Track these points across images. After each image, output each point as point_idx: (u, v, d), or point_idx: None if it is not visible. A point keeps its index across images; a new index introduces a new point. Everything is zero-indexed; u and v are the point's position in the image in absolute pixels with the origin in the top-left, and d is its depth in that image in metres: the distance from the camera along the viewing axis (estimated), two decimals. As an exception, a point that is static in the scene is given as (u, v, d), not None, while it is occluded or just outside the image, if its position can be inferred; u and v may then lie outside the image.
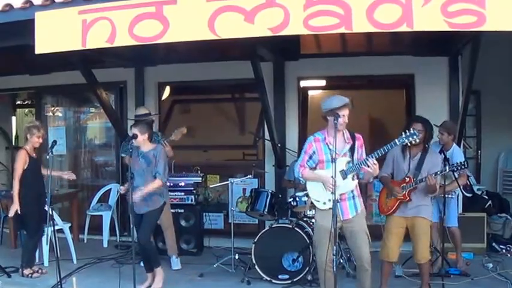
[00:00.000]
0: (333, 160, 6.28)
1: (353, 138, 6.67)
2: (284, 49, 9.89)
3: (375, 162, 6.39)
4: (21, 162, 8.32)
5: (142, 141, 7.82)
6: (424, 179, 7.06)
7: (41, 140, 8.48)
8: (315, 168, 6.72)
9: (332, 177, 6.30)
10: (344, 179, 6.54)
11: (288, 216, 8.69)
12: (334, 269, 6.33)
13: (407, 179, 7.19)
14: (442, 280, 7.78)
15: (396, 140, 6.53)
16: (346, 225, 6.65)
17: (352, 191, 6.68)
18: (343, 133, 6.65)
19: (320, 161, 6.62)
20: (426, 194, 7.27)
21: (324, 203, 6.64)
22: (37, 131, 8.40)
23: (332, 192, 6.31)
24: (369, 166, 6.36)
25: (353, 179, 6.62)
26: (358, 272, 6.87)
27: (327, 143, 6.60)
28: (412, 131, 6.48)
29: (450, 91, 9.93)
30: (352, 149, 6.62)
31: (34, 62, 9.20)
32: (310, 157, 6.69)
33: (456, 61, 9.88)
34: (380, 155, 6.59)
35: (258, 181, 10.66)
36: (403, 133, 6.51)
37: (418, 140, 6.58)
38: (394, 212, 7.29)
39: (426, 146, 7.28)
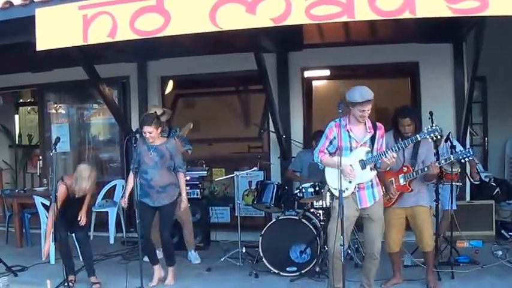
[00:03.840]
0: (351, 149, 6.46)
1: (374, 127, 6.66)
2: (287, 40, 9.83)
3: (394, 155, 6.47)
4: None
5: (157, 136, 7.82)
6: (425, 169, 7.03)
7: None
8: (333, 155, 6.69)
9: (351, 165, 6.51)
10: (363, 169, 6.56)
11: (295, 208, 8.66)
12: (342, 259, 6.30)
13: (406, 169, 7.14)
14: (452, 268, 7.77)
15: (418, 135, 6.64)
16: (364, 213, 6.69)
17: (371, 180, 6.68)
18: (365, 122, 6.65)
19: (338, 147, 6.54)
20: (423, 181, 7.26)
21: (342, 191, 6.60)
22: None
23: (350, 181, 6.52)
24: (387, 158, 6.43)
25: (371, 170, 6.63)
26: (366, 260, 6.94)
27: (347, 130, 6.61)
28: (434, 127, 6.54)
29: (455, 78, 9.86)
30: (372, 139, 6.63)
31: (35, 59, 9.17)
32: (331, 142, 6.69)
33: (460, 47, 9.83)
34: (400, 149, 6.69)
35: (264, 173, 10.63)
36: (425, 128, 6.63)
37: (440, 136, 6.65)
38: (394, 203, 7.26)
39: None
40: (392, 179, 7.22)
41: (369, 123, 6.65)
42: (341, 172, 6.36)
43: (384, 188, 7.17)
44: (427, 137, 6.56)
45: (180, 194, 8.10)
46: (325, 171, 6.89)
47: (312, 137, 9.62)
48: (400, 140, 7.12)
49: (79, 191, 7.77)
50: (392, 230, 7.29)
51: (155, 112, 8.59)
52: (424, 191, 7.31)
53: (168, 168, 7.87)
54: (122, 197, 8.33)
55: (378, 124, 6.73)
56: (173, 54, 10.54)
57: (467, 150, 7.16)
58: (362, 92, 6.48)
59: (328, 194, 7.94)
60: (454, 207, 8.60)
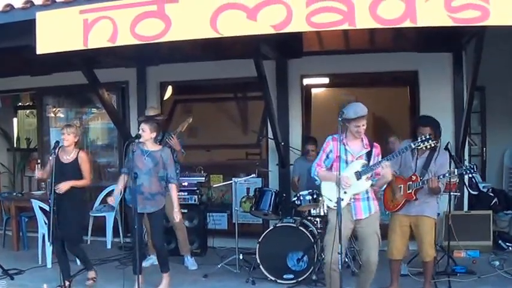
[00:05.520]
0: (347, 162, 6.52)
1: (371, 145, 6.72)
2: (287, 47, 9.83)
3: (388, 164, 6.50)
4: None
5: (149, 138, 7.74)
6: (425, 181, 7.05)
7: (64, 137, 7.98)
8: (330, 168, 6.75)
9: (346, 176, 6.52)
10: (358, 179, 6.56)
11: (292, 215, 8.65)
12: (340, 268, 6.31)
13: (414, 178, 7.14)
14: (449, 278, 7.77)
15: (412, 144, 6.66)
16: (358, 225, 6.69)
17: (366, 192, 6.70)
18: (362, 138, 6.71)
19: (335, 160, 6.62)
20: (431, 193, 7.23)
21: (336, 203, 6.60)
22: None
23: (345, 192, 6.53)
24: (383, 168, 6.45)
25: (367, 180, 6.63)
26: (362, 272, 6.91)
27: (343, 144, 6.65)
28: (427, 136, 6.56)
29: (454, 87, 9.87)
30: (369, 155, 6.67)
31: (35, 63, 9.15)
32: (327, 156, 6.74)
33: (460, 57, 9.83)
34: (394, 158, 6.70)
35: (262, 180, 10.61)
36: (419, 138, 6.64)
37: (433, 145, 6.63)
38: (399, 209, 7.26)
39: (434, 147, 7.23)
40: (401, 185, 7.26)
41: (365, 140, 6.73)
42: (338, 181, 6.42)
43: (391, 193, 7.28)
44: (421, 145, 6.57)
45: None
46: (321, 183, 6.93)
47: (305, 141, 9.70)
48: (417, 151, 7.14)
49: (65, 153, 7.91)
50: (396, 236, 7.30)
51: (157, 118, 8.65)
52: (430, 201, 7.29)
53: (159, 178, 7.79)
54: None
55: (375, 143, 6.80)
56: (173, 60, 10.56)
57: (471, 166, 7.16)
58: (355, 109, 6.56)
59: (324, 205, 7.98)
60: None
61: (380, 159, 6.68)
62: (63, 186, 7.70)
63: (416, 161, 7.21)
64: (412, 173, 7.17)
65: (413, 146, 6.66)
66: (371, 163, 6.62)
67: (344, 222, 6.35)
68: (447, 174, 7.11)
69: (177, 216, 7.87)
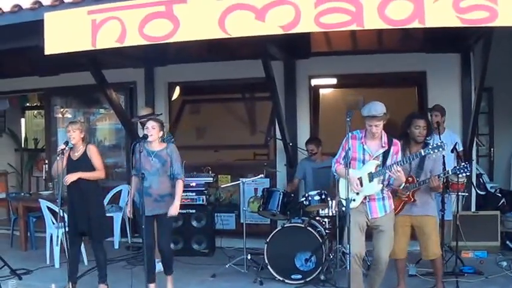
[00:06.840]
0: (364, 161, 6.60)
1: (390, 143, 6.69)
2: (294, 47, 9.83)
3: (399, 169, 6.46)
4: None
5: (157, 138, 7.60)
6: (427, 180, 7.02)
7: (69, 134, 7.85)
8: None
9: (360, 177, 6.60)
10: (370, 181, 6.58)
11: (301, 215, 8.65)
12: (348, 267, 6.34)
13: (410, 179, 7.08)
14: (456, 278, 7.75)
15: (422, 151, 6.66)
16: (374, 223, 6.72)
17: (382, 192, 6.71)
18: (381, 137, 6.69)
19: (353, 158, 6.62)
20: (429, 192, 7.22)
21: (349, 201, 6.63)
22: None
23: (357, 193, 6.63)
24: (392, 172, 6.44)
25: (379, 183, 6.63)
26: (373, 271, 6.94)
27: (362, 143, 6.68)
28: (439, 143, 6.56)
29: (462, 88, 9.86)
30: (386, 154, 6.65)
31: (43, 63, 9.19)
32: (346, 153, 6.66)
33: (468, 58, 9.82)
34: (405, 163, 6.73)
35: (270, 181, 10.61)
36: (430, 144, 6.70)
37: (443, 152, 6.66)
38: (399, 212, 7.20)
39: (426, 143, 7.21)
40: (397, 188, 7.22)
41: (384, 138, 6.69)
42: (349, 183, 6.47)
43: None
44: (431, 152, 6.57)
45: None
46: (339, 181, 6.92)
47: (305, 142, 9.72)
48: (408, 149, 7.12)
49: (74, 151, 7.83)
50: (398, 236, 7.24)
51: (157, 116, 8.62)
52: (430, 201, 7.28)
53: (169, 176, 7.63)
54: (126, 203, 8.05)
55: (394, 140, 6.74)
56: (181, 60, 10.58)
57: (464, 165, 7.13)
58: (370, 107, 6.54)
59: (336, 203, 7.99)
60: (449, 218, 8.60)
61: (398, 159, 6.67)
62: (70, 177, 7.63)
63: (410, 162, 7.17)
64: (407, 174, 7.12)
65: (423, 153, 6.63)
66: (388, 161, 6.61)
67: (359, 218, 6.57)
68: (442, 175, 7.10)
69: (174, 210, 7.49)
